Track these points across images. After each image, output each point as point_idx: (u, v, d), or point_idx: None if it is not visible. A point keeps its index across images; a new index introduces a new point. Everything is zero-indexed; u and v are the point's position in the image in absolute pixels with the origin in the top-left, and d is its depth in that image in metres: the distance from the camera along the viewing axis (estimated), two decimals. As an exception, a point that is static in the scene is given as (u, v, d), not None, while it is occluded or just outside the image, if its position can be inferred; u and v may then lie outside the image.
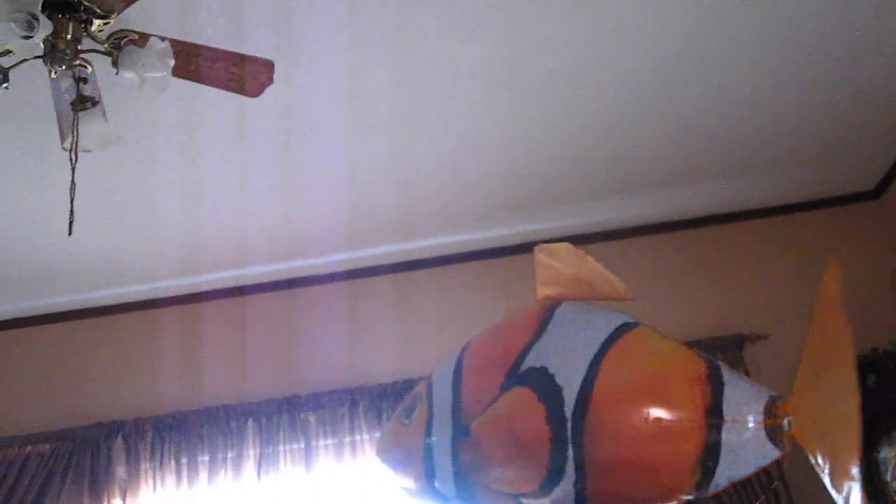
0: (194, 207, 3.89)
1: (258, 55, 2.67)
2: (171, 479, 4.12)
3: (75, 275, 4.38)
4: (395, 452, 1.68)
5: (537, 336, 1.58)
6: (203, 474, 4.11)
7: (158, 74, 2.41)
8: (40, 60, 2.46)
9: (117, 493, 4.09)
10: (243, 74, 2.64)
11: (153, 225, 4.00)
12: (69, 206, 2.55)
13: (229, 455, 4.14)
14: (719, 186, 4.22)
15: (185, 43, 2.56)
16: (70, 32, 2.46)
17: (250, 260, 4.40)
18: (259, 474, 4.08)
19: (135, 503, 4.07)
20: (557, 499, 1.47)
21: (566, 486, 1.46)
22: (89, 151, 2.62)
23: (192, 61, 2.57)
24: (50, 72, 2.51)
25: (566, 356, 1.52)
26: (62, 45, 2.44)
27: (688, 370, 1.46)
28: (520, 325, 1.63)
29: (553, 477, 1.46)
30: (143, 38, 2.48)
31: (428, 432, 1.61)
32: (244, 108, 3.03)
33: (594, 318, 1.59)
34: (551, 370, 1.51)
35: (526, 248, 4.34)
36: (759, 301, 4.23)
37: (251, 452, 4.12)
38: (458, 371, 1.63)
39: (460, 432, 1.57)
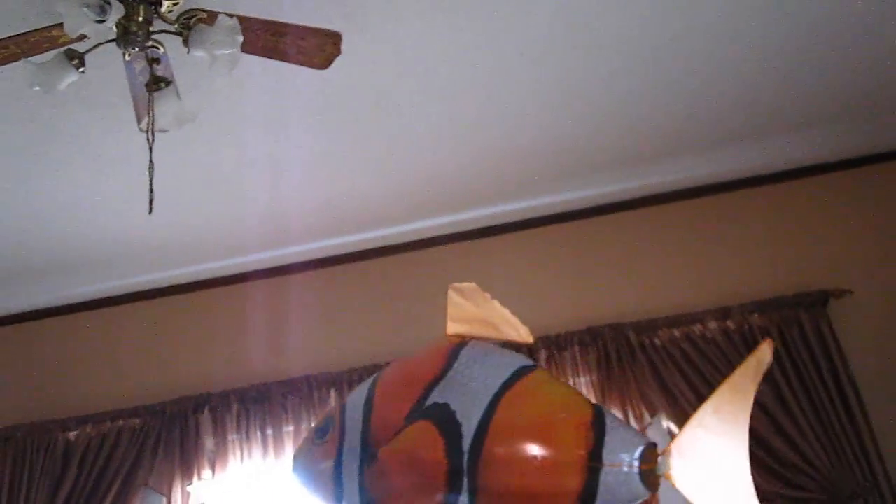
0: (275, 181, 3.93)
1: (327, 27, 2.67)
2: (257, 449, 4.21)
3: (159, 253, 4.49)
4: (307, 469, 1.77)
5: (443, 373, 1.71)
6: (288, 445, 4.19)
7: (228, 51, 2.43)
8: (114, 44, 2.51)
9: (206, 464, 4.20)
10: (311, 47, 2.65)
11: (235, 200, 4.06)
12: (149, 185, 2.60)
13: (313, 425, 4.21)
14: (800, 139, 4.12)
15: (252, 19, 2.58)
16: (141, 15, 2.49)
17: (333, 231, 4.44)
18: (343, 443, 4.14)
19: (223, 474, 4.18)
20: None
21: None
22: (166, 131, 2.66)
23: (260, 37, 2.59)
24: (124, 54, 2.56)
25: (468, 394, 1.66)
26: (134, 28, 2.48)
27: (575, 415, 1.63)
28: (428, 361, 1.76)
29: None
30: (211, 17, 2.51)
31: (338, 455, 1.72)
32: (321, 80, 3.03)
33: (496, 359, 1.74)
34: (453, 406, 1.65)
35: (613, 207, 4.30)
36: (843, 256, 4.13)
37: (334, 422, 4.17)
38: (369, 399, 1.74)
39: (368, 458, 1.68)
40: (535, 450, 1.60)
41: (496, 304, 1.82)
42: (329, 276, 4.63)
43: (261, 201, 4.10)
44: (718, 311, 4.00)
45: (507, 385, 1.68)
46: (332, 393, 4.21)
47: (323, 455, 1.74)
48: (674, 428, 3.85)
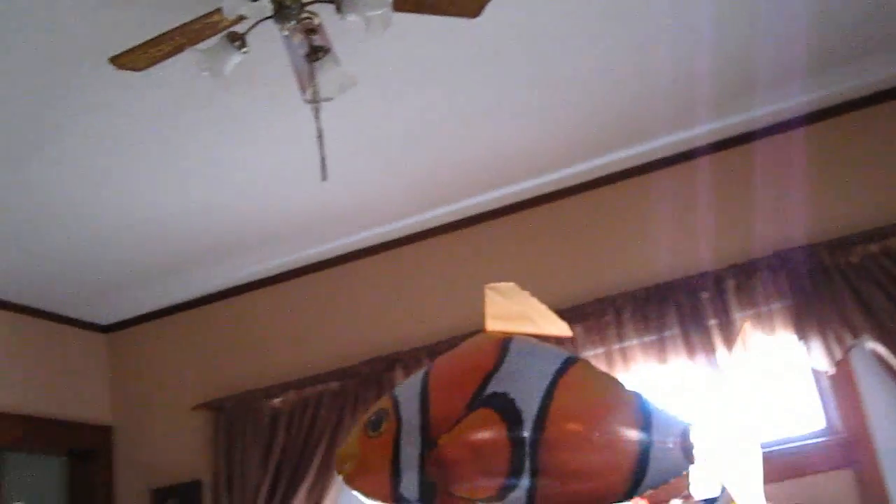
0: (442, 135, 3.94)
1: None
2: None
3: (341, 220, 4.60)
4: (360, 460, 1.88)
5: (497, 365, 1.86)
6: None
7: (380, 12, 2.45)
8: (271, 20, 2.57)
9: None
10: (460, -4, 2.62)
11: (403, 159, 4.09)
12: (320, 154, 2.66)
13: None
14: None
15: (400, -24, 2.58)
16: (294, -12, 2.54)
17: (514, 178, 4.45)
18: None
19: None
20: (510, 502, 1.81)
21: (519, 493, 1.79)
22: (330, 99, 2.71)
23: (409, -7, 2.59)
24: (281, 29, 2.61)
25: (524, 384, 1.82)
26: (288, 2, 2.53)
27: (624, 400, 1.85)
28: (480, 354, 1.91)
29: (510, 485, 1.79)
30: (360, -21, 2.52)
31: (396, 444, 1.84)
32: (474, 29, 3.00)
33: (544, 352, 1.91)
34: (512, 395, 1.81)
35: (796, 123, 4.09)
36: None
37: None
38: (424, 392, 1.87)
39: (428, 445, 1.81)
40: (594, 431, 1.81)
41: (534, 300, 1.97)
42: (509, 224, 4.62)
43: (423, 158, 4.12)
44: (918, 219, 3.74)
45: (559, 374, 1.85)
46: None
47: (379, 446, 1.85)
48: (880, 349, 3.65)
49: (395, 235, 4.82)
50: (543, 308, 1.97)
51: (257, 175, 4.03)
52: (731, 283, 3.96)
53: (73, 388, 5.26)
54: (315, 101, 2.64)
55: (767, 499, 2.01)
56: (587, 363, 1.94)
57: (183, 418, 5.05)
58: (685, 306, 3.99)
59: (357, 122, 3.70)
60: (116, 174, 3.83)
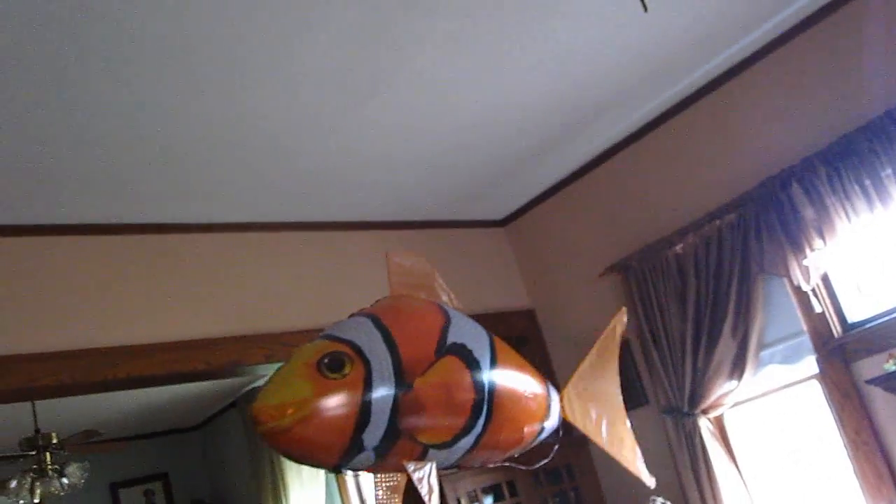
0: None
1: None
2: (860, 203, 3.95)
3: (688, 50, 4.38)
4: (316, 404, 1.76)
5: (449, 320, 2.04)
6: (892, 188, 3.87)
7: None
8: None
9: (813, 234, 4.07)
10: None
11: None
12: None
13: (912, 159, 3.83)
14: None
15: None
16: None
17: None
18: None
19: (833, 238, 4.02)
20: (457, 448, 1.97)
21: (469, 437, 1.97)
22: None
23: None
24: None
25: (473, 337, 2.05)
26: None
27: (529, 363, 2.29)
28: (428, 308, 2.08)
29: (467, 427, 1.96)
30: None
31: (367, 387, 1.81)
32: None
33: (465, 316, 2.14)
34: (469, 346, 2.01)
35: None
36: None
37: (933, 147, 3.75)
38: (388, 337, 1.89)
39: (402, 389, 1.85)
40: (527, 383, 2.19)
41: (434, 271, 2.18)
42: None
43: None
44: None
45: (490, 336, 2.13)
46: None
47: (347, 387, 1.79)
48: None
49: (748, 52, 4.49)
50: (440, 280, 2.17)
51: (584, 19, 3.91)
52: None
53: (490, 283, 5.63)
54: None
55: None
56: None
57: (593, 286, 5.20)
58: None
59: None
60: (462, 76, 3.95)
